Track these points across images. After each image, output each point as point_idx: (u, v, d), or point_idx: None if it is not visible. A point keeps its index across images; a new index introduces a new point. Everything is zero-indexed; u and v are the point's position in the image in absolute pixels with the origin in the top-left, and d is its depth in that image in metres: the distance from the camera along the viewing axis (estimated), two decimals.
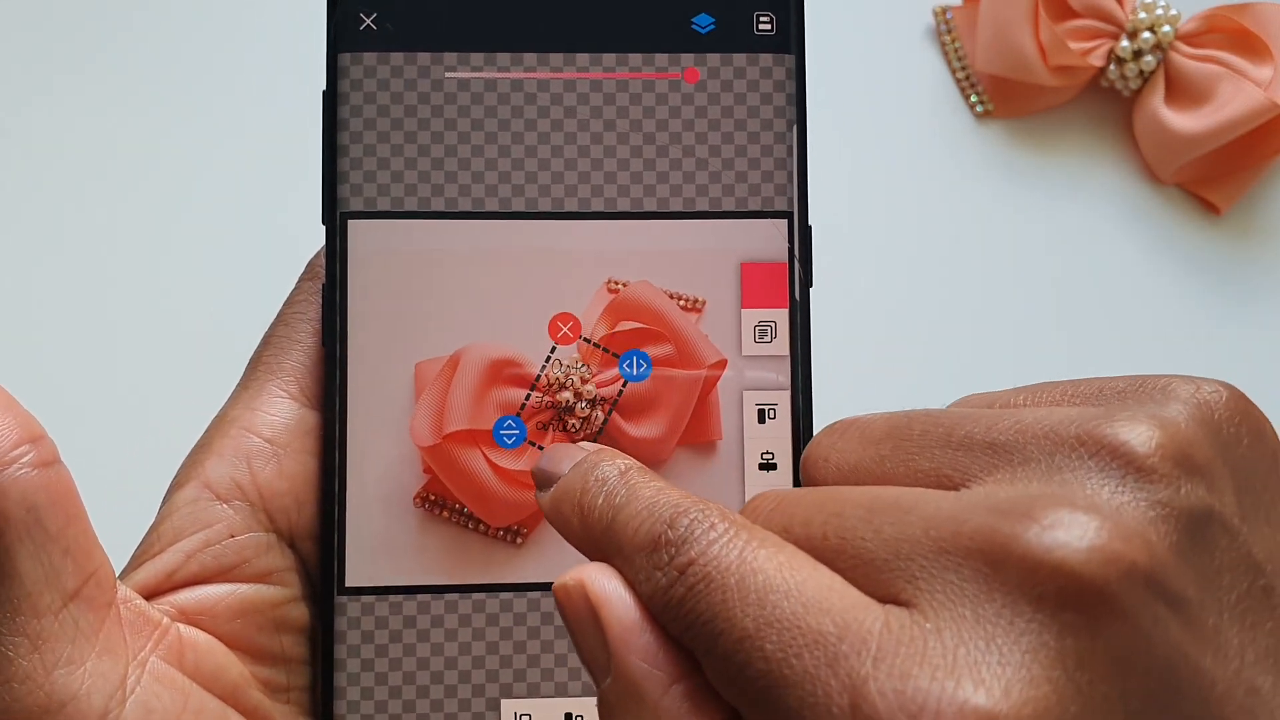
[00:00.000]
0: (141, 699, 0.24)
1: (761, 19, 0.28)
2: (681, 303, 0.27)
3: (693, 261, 0.27)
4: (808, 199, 0.28)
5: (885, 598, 0.18)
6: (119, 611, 0.24)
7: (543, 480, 0.23)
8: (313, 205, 0.28)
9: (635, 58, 0.28)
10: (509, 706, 0.27)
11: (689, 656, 0.19)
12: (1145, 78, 0.70)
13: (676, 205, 0.27)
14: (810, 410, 0.27)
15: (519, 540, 0.27)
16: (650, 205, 0.27)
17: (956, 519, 0.18)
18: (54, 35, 0.69)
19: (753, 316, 0.28)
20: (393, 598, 0.27)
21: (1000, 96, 0.71)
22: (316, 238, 0.27)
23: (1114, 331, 0.68)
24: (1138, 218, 0.70)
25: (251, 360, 0.28)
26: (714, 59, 0.28)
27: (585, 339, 0.27)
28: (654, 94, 0.27)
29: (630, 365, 0.27)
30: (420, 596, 0.27)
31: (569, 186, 0.27)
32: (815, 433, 0.27)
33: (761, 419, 0.27)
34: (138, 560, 0.26)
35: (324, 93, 0.27)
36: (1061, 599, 0.17)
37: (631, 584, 0.20)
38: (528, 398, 0.27)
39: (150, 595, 0.25)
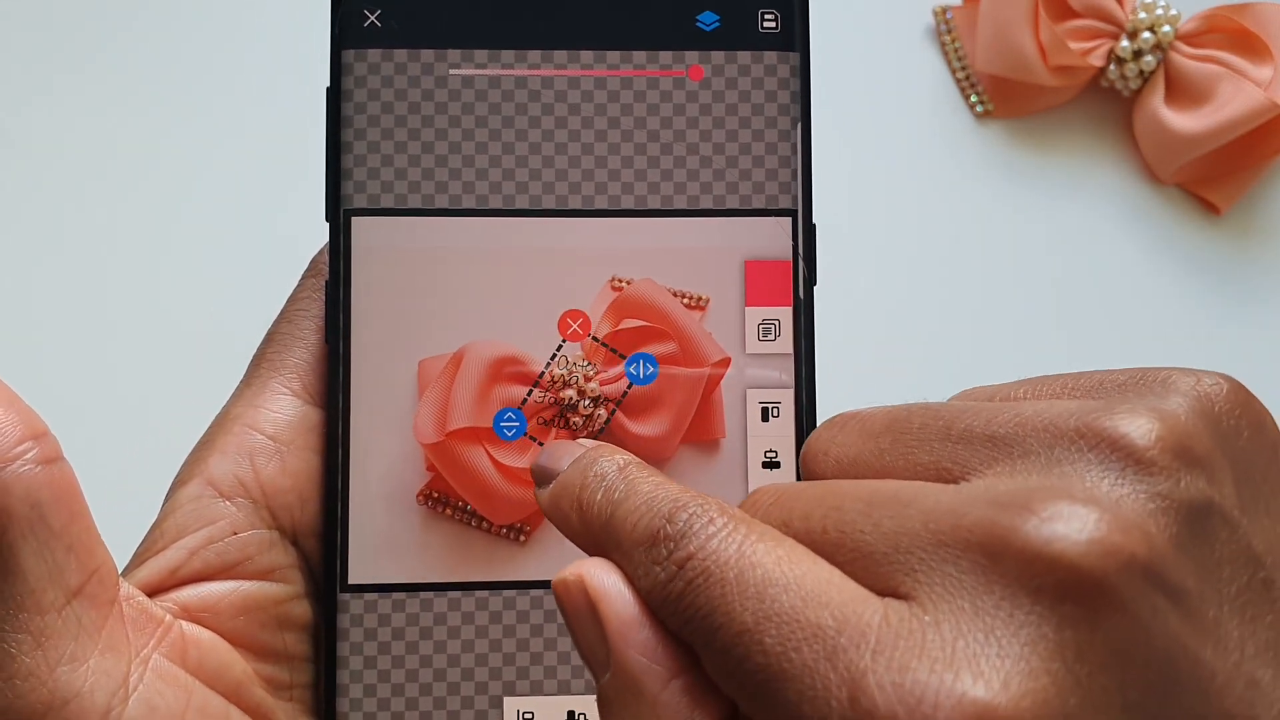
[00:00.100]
0: (144, 696, 0.24)
1: (766, 17, 0.28)
2: (685, 300, 0.27)
3: (696, 259, 0.27)
4: (811, 197, 0.28)
5: (884, 591, 0.18)
6: (122, 609, 0.24)
7: (541, 477, 0.23)
8: (316, 202, 0.28)
9: (640, 55, 0.27)
10: (512, 704, 0.27)
11: (688, 651, 0.19)
12: (1145, 78, 0.70)
13: (680, 203, 0.27)
14: (814, 408, 0.27)
15: (522, 538, 0.27)
16: (654, 203, 0.27)
17: (955, 512, 0.18)
18: (54, 35, 0.69)
19: (756, 314, 0.27)
20: (396, 595, 0.27)
21: (1000, 96, 0.71)
22: (320, 235, 0.27)
23: (1114, 331, 0.68)
24: (1138, 218, 0.70)
25: (255, 357, 0.28)
26: (719, 56, 0.28)
27: (592, 337, 0.27)
28: (658, 91, 0.27)
29: (636, 368, 0.27)
30: (423, 594, 0.27)
31: (573, 184, 0.27)
32: None
33: (765, 417, 0.27)
34: (140, 557, 0.26)
35: (328, 90, 0.27)
36: (1060, 591, 0.17)
37: (630, 579, 0.20)
38: (529, 393, 0.27)
39: (153, 592, 0.25)
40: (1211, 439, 0.19)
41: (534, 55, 0.27)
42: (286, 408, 0.27)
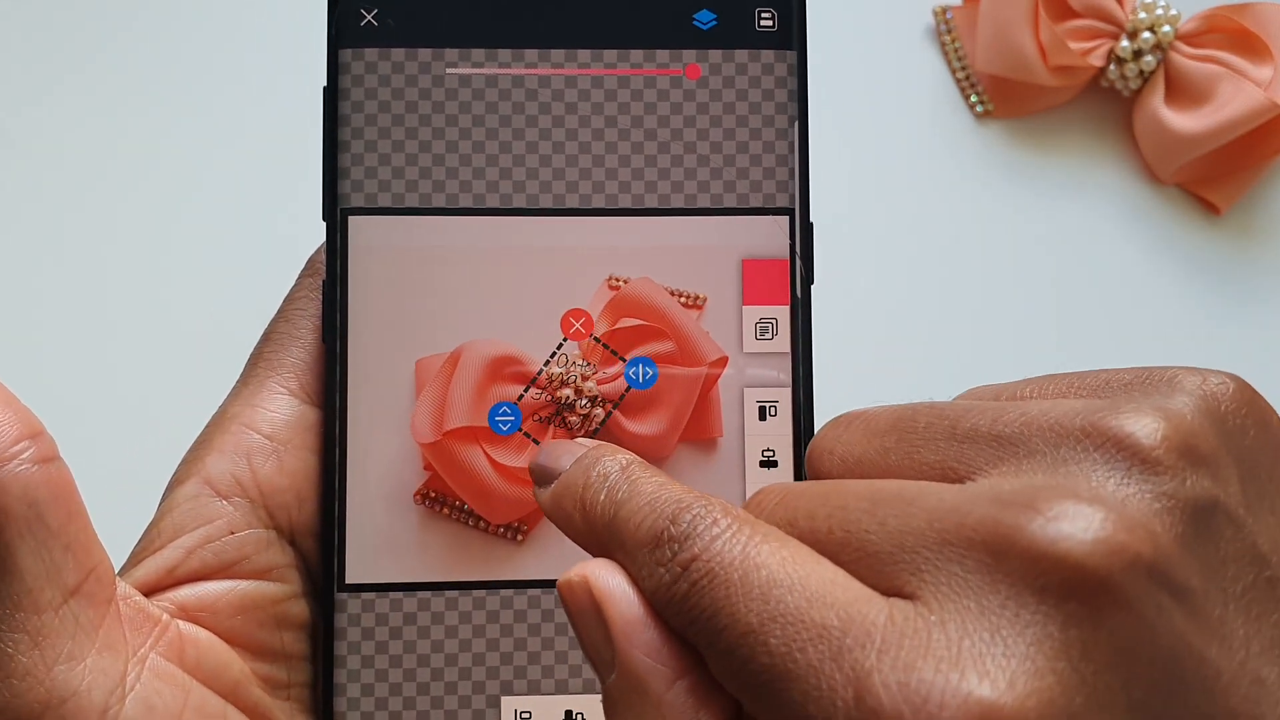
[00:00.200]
0: (142, 695, 0.24)
1: (763, 15, 0.28)
2: (682, 299, 0.27)
3: (694, 258, 0.27)
4: (809, 196, 0.28)
5: (889, 590, 0.18)
6: (119, 608, 0.24)
7: (541, 476, 0.23)
8: (313, 201, 0.28)
9: (637, 54, 0.27)
10: (509, 704, 0.27)
11: (693, 652, 0.19)
12: (1145, 78, 0.70)
13: (678, 202, 0.27)
14: (811, 407, 0.27)
15: (519, 537, 0.27)
16: (651, 202, 0.27)
17: (960, 511, 0.18)
18: (54, 35, 0.69)
19: (754, 313, 0.27)
20: (393, 594, 0.27)
21: (1000, 96, 0.71)
22: (317, 234, 0.27)
23: (1114, 331, 0.68)
24: (1138, 218, 0.70)
25: (252, 356, 0.28)
26: (715, 55, 0.28)
27: (591, 336, 0.27)
28: (655, 90, 0.27)
29: (636, 372, 0.27)
30: (421, 593, 0.27)
31: (570, 183, 0.27)
32: (816, 428, 0.27)
33: (762, 416, 0.27)
34: (137, 557, 0.26)
35: (325, 89, 0.27)
36: (1066, 590, 0.17)
37: (635, 579, 0.20)
38: (525, 390, 0.27)
39: (150, 592, 0.25)
40: (1217, 438, 0.19)
41: (531, 54, 0.27)
42: (284, 407, 0.27)
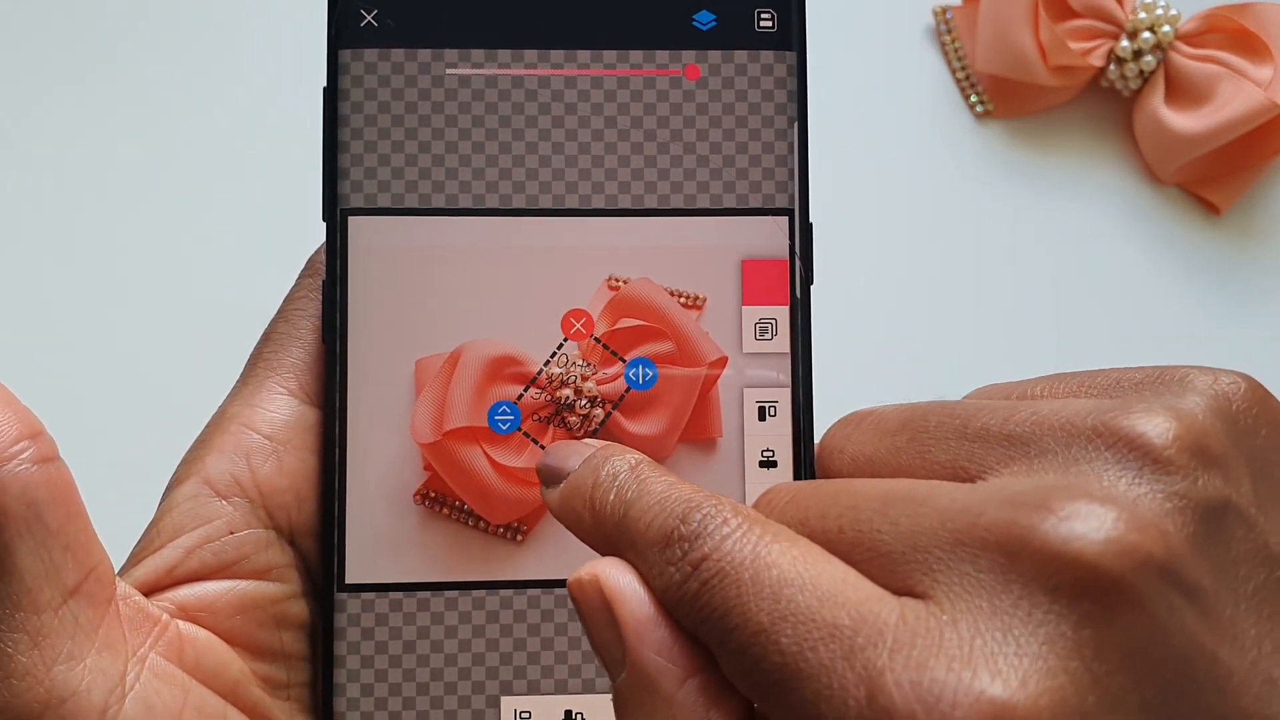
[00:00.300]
0: (141, 695, 0.24)
1: (763, 16, 0.28)
2: (682, 300, 0.27)
3: (693, 258, 0.27)
4: (809, 196, 0.28)
5: (901, 590, 0.18)
6: (118, 608, 0.24)
7: (549, 477, 0.23)
8: (313, 202, 0.28)
9: (636, 54, 0.27)
10: (509, 704, 0.27)
11: (704, 651, 0.19)
12: (1145, 78, 0.70)
13: (677, 202, 0.27)
14: (811, 408, 0.27)
15: (519, 537, 0.27)
16: (651, 202, 0.27)
17: (972, 511, 0.18)
18: (54, 35, 0.69)
19: (753, 314, 0.27)
20: (393, 594, 0.27)
21: (1000, 96, 0.71)
22: (317, 234, 0.27)
23: (1114, 332, 0.68)
24: (1138, 218, 0.70)
25: (251, 357, 0.28)
26: (715, 56, 0.28)
27: (593, 338, 0.27)
28: (655, 91, 0.27)
29: (636, 373, 0.27)
30: (420, 593, 0.27)
31: (570, 183, 0.27)
32: (816, 430, 0.27)
33: (762, 416, 0.27)
34: (137, 557, 0.26)
35: (325, 89, 0.27)
36: (1078, 590, 0.17)
37: (645, 579, 0.20)
38: (525, 390, 0.27)
39: (150, 591, 0.25)
40: (1228, 438, 0.19)
41: (530, 55, 0.27)
42: (283, 407, 0.27)
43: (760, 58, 0.28)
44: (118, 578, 0.24)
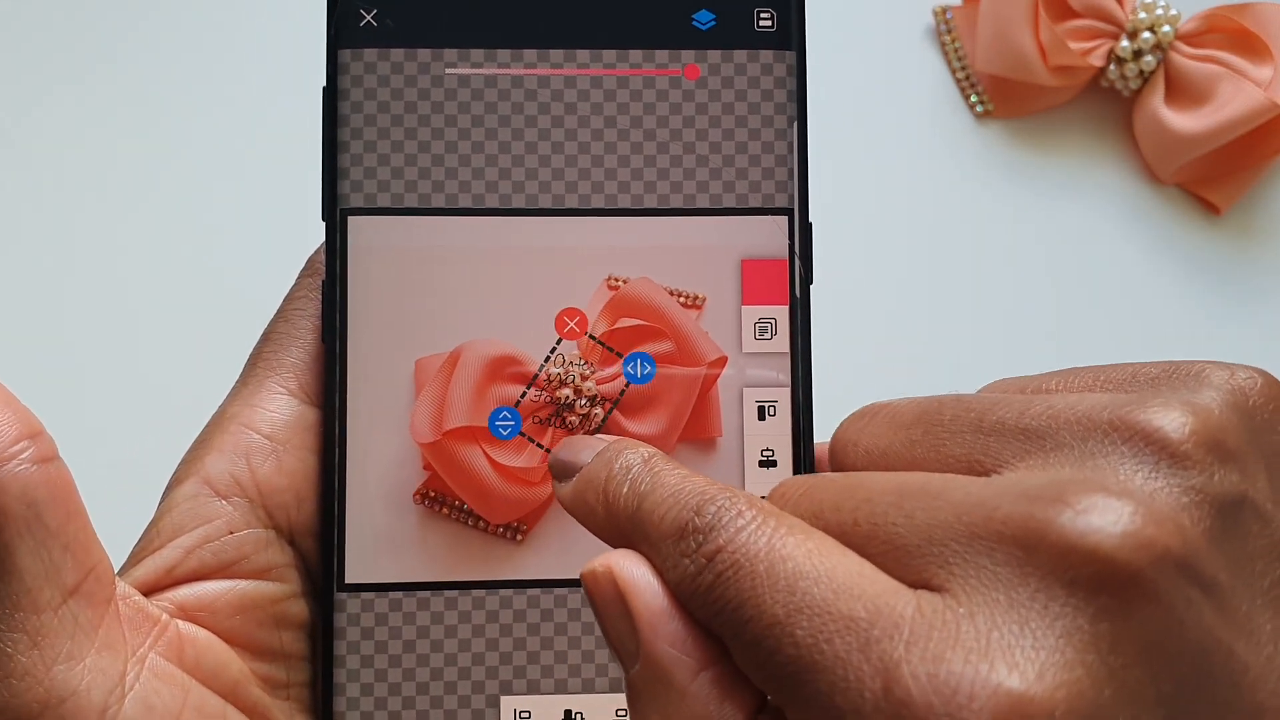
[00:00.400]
0: (141, 695, 0.24)
1: (762, 15, 0.28)
2: (682, 299, 0.27)
3: (693, 258, 0.27)
4: (808, 196, 0.28)
5: (916, 583, 0.18)
6: (118, 608, 0.24)
7: (561, 471, 0.23)
8: (313, 201, 0.28)
9: (636, 54, 0.27)
10: (509, 703, 0.27)
11: (718, 643, 0.19)
12: (1145, 78, 0.70)
13: (677, 202, 0.27)
14: (810, 407, 0.27)
15: (519, 537, 0.27)
16: (651, 202, 0.27)
17: (989, 504, 0.18)
18: (54, 35, 0.69)
19: (753, 313, 0.27)
20: (392, 594, 0.27)
21: (1000, 96, 0.71)
22: (316, 234, 0.27)
23: (1114, 331, 0.68)
24: (1138, 218, 0.70)
25: (251, 357, 0.28)
26: (714, 55, 0.28)
27: (589, 336, 0.27)
28: (654, 90, 0.27)
29: (634, 368, 0.27)
30: (420, 593, 0.27)
31: (569, 183, 0.27)
32: (816, 430, 0.27)
33: (761, 416, 0.27)
34: (137, 556, 0.26)
35: (324, 89, 0.27)
36: (1095, 583, 0.17)
37: (659, 571, 0.20)
38: (525, 392, 0.27)
39: (149, 591, 0.25)
40: (1245, 432, 0.19)
41: (530, 54, 0.27)
42: (283, 407, 0.27)
43: (760, 57, 0.28)
44: (117, 577, 0.24)
